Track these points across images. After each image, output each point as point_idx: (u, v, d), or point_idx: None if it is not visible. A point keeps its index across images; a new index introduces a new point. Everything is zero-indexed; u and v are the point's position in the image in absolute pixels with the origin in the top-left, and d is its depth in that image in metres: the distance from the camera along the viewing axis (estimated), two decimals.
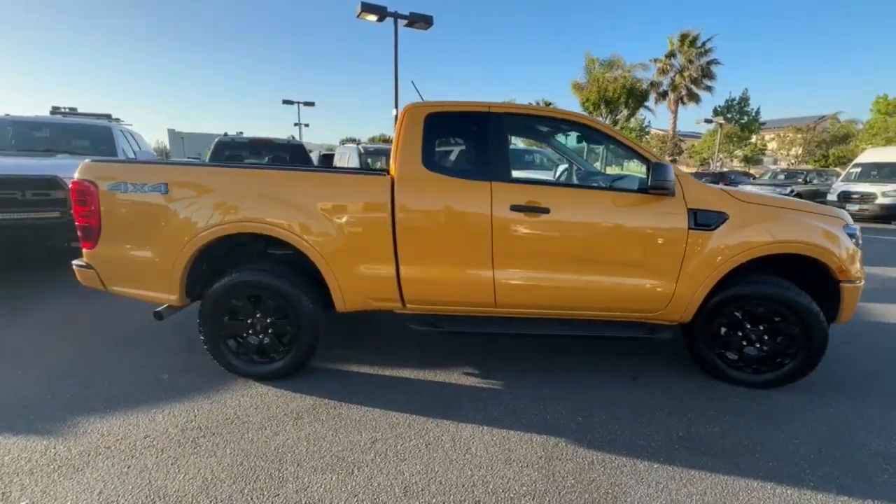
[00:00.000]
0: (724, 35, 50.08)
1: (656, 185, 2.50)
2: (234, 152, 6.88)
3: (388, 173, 2.72)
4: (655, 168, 2.49)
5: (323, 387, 2.79)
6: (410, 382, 2.89)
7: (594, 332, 2.84)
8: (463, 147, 2.89)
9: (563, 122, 2.83)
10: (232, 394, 2.69)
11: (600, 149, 3.63)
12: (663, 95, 31.42)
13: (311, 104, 28.98)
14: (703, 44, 29.34)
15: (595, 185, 2.75)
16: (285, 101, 28.17)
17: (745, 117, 33.51)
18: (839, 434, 2.40)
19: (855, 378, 3.02)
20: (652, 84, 31.65)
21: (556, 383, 2.89)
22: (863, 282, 2.78)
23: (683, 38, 29.75)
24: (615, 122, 29.90)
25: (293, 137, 7.65)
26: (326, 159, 10.60)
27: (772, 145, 38.90)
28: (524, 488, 1.96)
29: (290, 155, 7.18)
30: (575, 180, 3.63)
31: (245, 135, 7.24)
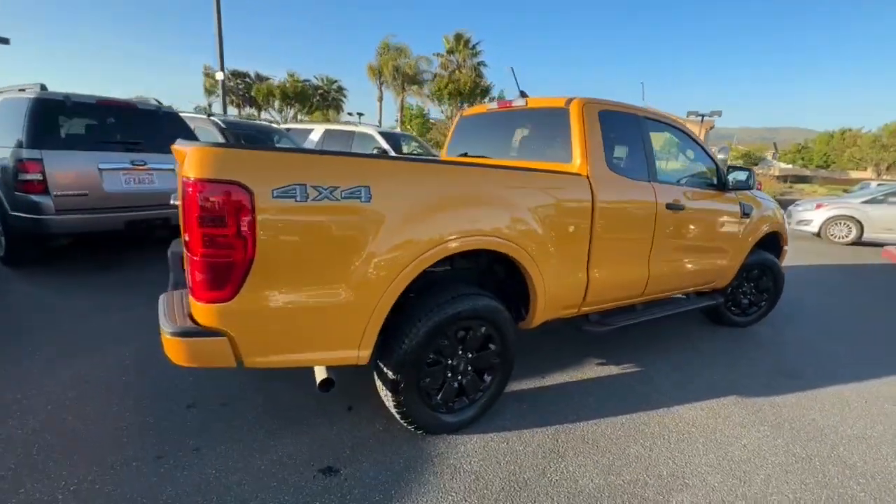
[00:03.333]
0: (489, 40, 58.78)
1: (751, 185, 3.22)
2: (70, 120, 4.25)
3: (577, 173, 2.54)
4: (750, 173, 3.20)
5: (518, 416, 2.46)
6: (574, 386, 2.84)
7: (692, 305, 3.45)
8: (625, 148, 2.91)
9: (676, 129, 3.22)
10: (450, 450, 2.08)
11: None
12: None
13: (5, 41, 19.42)
14: (475, 46, 34.07)
15: (698, 184, 3.27)
16: None
17: None
18: (815, 349, 3.74)
19: (786, 317, 4.59)
20: (435, 76, 34.78)
21: (654, 355, 3.36)
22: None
23: (458, 37, 33.71)
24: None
25: (159, 102, 5.26)
26: None
27: None
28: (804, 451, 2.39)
29: (162, 128, 4.96)
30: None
31: None
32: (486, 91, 33.98)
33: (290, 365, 1.75)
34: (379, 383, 2.09)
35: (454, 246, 1.94)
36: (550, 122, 2.78)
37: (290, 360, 1.74)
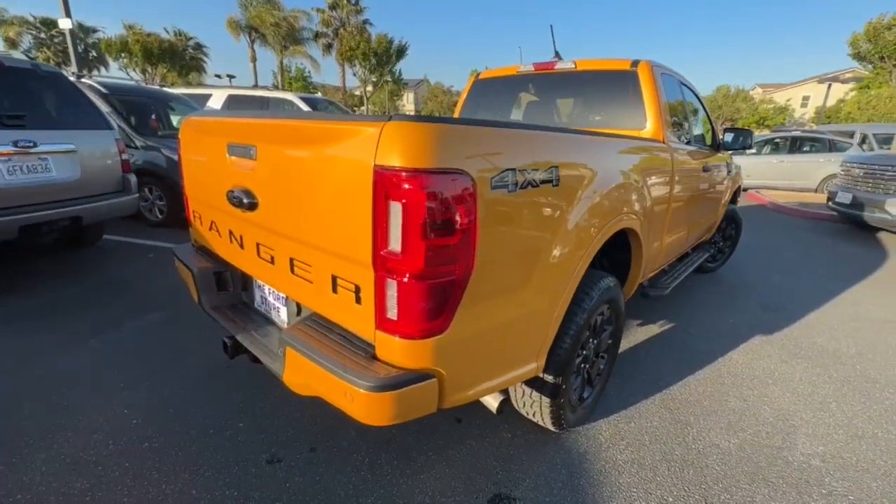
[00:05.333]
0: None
1: (749, 146, 3.52)
2: None
3: (654, 138, 2.47)
4: (740, 133, 3.46)
5: (617, 391, 2.44)
6: (639, 350, 2.92)
7: (699, 258, 3.74)
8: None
9: (690, 90, 3.31)
10: (591, 444, 1.97)
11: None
12: (329, 48, 32.23)
13: None
14: (357, 2, 31.57)
15: (705, 144, 3.46)
16: None
17: (391, 76, 39.50)
18: (773, 283, 4.41)
19: (741, 264, 5.29)
20: (318, 35, 31.72)
21: (671, 310, 3.65)
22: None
23: None
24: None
25: (32, 58, 3.68)
26: None
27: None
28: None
29: (47, 94, 3.55)
30: None
31: None
32: (402, 51, 32.26)
33: (482, 395, 1.43)
34: (527, 392, 1.85)
35: (613, 225, 1.75)
36: (611, 85, 2.64)
37: (484, 389, 1.40)
